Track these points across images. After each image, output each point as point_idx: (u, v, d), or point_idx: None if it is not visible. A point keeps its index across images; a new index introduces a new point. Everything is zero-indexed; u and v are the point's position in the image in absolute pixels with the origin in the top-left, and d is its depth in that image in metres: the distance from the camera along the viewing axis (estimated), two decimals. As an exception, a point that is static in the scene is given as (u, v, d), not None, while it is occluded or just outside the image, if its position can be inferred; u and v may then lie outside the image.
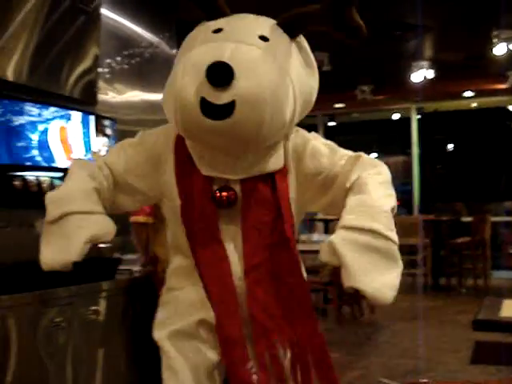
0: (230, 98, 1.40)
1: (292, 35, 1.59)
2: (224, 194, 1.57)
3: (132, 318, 2.70)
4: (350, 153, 1.63)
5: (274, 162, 1.59)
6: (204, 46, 1.52)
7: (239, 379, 1.52)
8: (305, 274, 1.69)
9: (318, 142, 1.68)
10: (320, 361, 1.56)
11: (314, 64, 1.69)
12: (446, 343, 5.24)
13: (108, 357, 2.69)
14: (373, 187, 1.54)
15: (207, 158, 1.58)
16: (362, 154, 1.62)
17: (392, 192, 1.56)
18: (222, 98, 1.40)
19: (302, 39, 1.65)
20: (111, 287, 2.74)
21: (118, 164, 1.70)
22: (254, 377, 1.52)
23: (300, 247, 6.73)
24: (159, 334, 1.69)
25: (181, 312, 1.67)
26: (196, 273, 1.62)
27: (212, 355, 1.62)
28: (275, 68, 1.49)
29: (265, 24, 1.61)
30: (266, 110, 1.43)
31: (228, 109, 1.40)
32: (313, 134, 1.72)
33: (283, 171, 1.60)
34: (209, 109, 1.41)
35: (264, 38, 1.54)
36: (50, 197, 1.59)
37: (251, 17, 1.65)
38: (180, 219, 1.61)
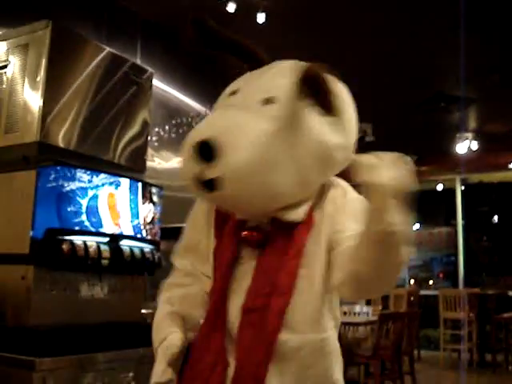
0: (216, 173, 1.44)
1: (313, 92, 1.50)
2: (250, 233, 1.59)
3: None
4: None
5: (295, 214, 1.57)
6: (211, 115, 1.61)
7: None
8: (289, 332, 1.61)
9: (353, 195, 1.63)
10: None
11: (346, 119, 1.64)
12: (494, 424, 5.02)
13: (145, 425, 2.66)
14: None
15: None
16: None
17: None
18: (208, 174, 1.45)
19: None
20: (150, 354, 2.74)
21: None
22: None
23: (342, 319, 6.53)
24: None
25: None
26: None
27: None
28: (269, 139, 1.48)
29: (281, 82, 1.57)
30: (253, 184, 1.47)
31: (216, 183, 1.45)
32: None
33: (307, 223, 1.57)
34: (201, 183, 1.47)
35: (271, 101, 1.54)
36: None
37: (272, 72, 1.65)
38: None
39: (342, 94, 1.66)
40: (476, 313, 8.42)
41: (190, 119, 4.11)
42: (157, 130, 3.69)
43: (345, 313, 7.38)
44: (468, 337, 8.32)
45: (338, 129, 1.60)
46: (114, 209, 2.60)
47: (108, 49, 2.80)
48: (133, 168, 2.91)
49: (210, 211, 1.68)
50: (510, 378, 7.37)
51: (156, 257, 2.81)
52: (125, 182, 2.69)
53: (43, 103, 2.48)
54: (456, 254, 10.48)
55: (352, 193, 1.63)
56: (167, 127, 3.81)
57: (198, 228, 1.70)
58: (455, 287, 10.08)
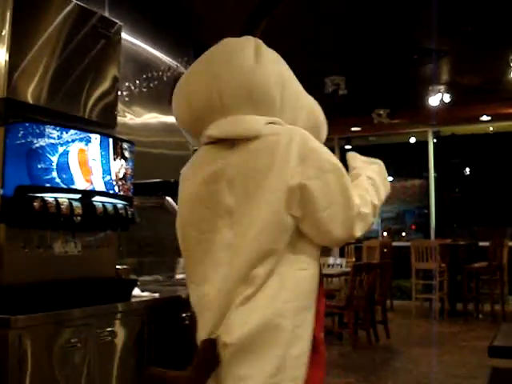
0: None
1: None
2: None
3: (147, 340, 2.71)
4: None
5: None
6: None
7: None
8: None
9: None
10: None
11: None
12: (463, 369, 5.17)
13: (122, 378, 2.69)
14: None
15: None
16: None
17: None
18: None
19: None
20: (127, 309, 2.75)
21: None
22: None
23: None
24: None
25: None
26: None
27: None
28: None
29: None
30: None
31: None
32: None
33: None
34: None
35: None
36: None
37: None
38: None
39: None
40: (447, 263, 8.60)
41: (160, 73, 4.05)
42: (127, 84, 3.63)
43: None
44: (439, 287, 8.50)
45: None
46: (85, 165, 2.58)
47: (75, 1, 2.73)
48: (103, 123, 2.86)
49: None
50: (479, 326, 7.58)
51: (129, 212, 2.79)
52: (95, 138, 2.65)
53: (9, 57, 2.42)
54: (428, 206, 10.62)
55: None
56: (138, 82, 3.75)
57: None
58: (427, 239, 10.25)
